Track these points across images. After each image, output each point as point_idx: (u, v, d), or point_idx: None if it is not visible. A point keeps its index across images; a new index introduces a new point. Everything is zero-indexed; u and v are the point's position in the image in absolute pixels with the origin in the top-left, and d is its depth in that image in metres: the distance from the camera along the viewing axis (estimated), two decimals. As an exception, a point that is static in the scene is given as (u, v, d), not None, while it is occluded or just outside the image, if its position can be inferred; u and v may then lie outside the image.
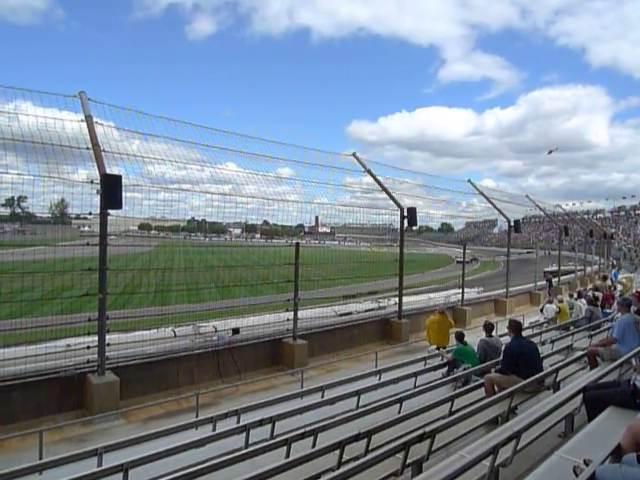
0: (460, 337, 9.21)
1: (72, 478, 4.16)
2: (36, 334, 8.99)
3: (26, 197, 9.44)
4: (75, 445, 6.77)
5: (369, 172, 15.11)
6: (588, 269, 31.84)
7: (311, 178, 13.43)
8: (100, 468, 4.63)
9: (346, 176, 14.78)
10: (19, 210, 10.50)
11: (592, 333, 10.77)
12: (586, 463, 3.91)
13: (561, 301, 15.09)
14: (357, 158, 15.26)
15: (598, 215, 79.60)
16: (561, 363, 7.65)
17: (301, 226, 20.13)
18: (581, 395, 5.70)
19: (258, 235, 24.44)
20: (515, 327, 7.65)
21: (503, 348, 7.82)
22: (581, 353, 8.39)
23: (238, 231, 23.43)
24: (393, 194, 15.01)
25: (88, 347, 8.95)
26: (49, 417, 8.10)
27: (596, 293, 15.72)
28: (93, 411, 8.21)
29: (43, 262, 9.29)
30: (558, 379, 7.14)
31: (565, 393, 5.89)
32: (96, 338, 8.79)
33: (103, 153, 8.98)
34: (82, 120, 9.23)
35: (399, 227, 15.06)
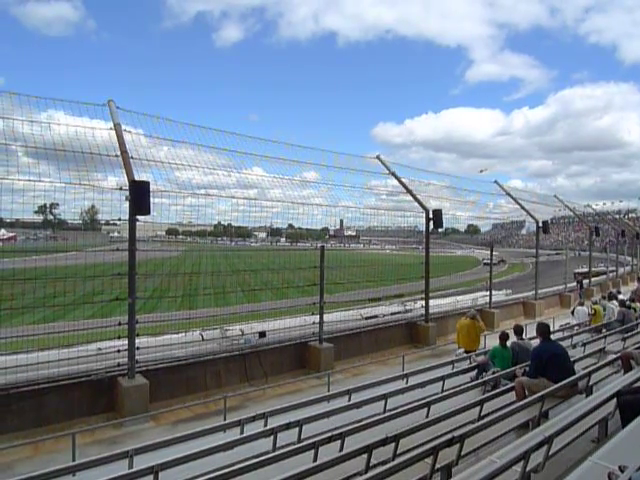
0: (502, 338, 8.96)
1: None
2: (68, 338, 9.19)
3: (58, 204, 9.69)
4: (107, 447, 6.89)
5: (393, 174, 15.03)
6: (620, 270, 31.02)
7: (336, 181, 13.47)
8: (131, 470, 4.70)
9: (371, 179, 14.78)
10: (51, 217, 10.77)
11: (625, 336, 10.48)
12: (621, 469, 3.80)
13: (595, 303, 14.68)
14: (381, 160, 15.19)
15: (630, 215, 77.34)
16: (593, 367, 7.47)
17: (326, 229, 20.15)
18: (615, 399, 5.55)
19: (283, 239, 24.54)
20: (543, 331, 7.46)
21: (532, 351, 7.65)
22: (614, 356, 8.17)
23: (263, 235, 23.59)
24: (418, 196, 14.90)
25: (118, 351, 9.12)
26: (81, 419, 8.27)
27: (634, 304, 14.74)
28: (123, 414, 8.35)
29: (74, 267, 9.53)
30: (591, 383, 6.98)
31: (598, 397, 5.75)
32: (126, 342, 8.95)
33: (131, 160, 9.17)
34: (111, 128, 9.44)
35: (424, 229, 14.94)
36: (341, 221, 16.60)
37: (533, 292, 20.08)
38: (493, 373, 8.20)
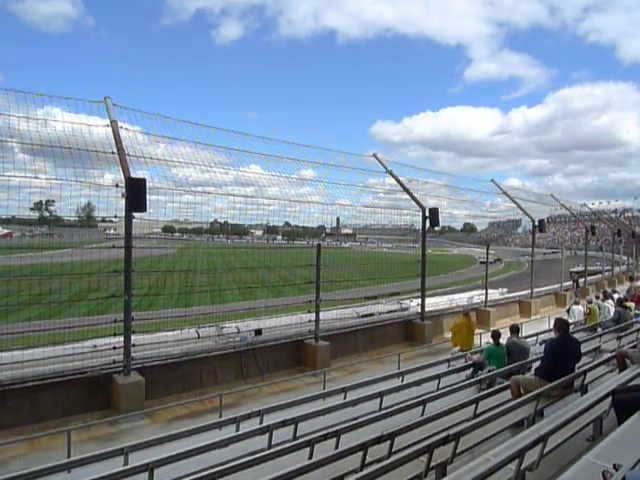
0: (495, 336, 8.96)
1: (99, 476, 4.24)
2: (64, 335, 9.17)
3: (54, 201, 9.65)
4: (102, 444, 6.89)
5: (390, 173, 15.04)
6: (616, 269, 31.14)
7: (333, 179, 13.48)
8: (126, 467, 4.70)
9: (368, 177, 14.80)
10: (47, 214, 10.72)
11: (620, 335, 10.52)
12: (616, 468, 3.82)
13: (590, 302, 14.73)
14: (378, 159, 15.20)
15: (626, 214, 77.65)
16: (589, 365, 7.49)
17: (322, 227, 20.12)
18: (610, 398, 5.57)
19: (280, 237, 24.52)
20: (561, 326, 7.35)
21: (545, 345, 7.56)
22: (609, 355, 8.20)
23: (260, 233, 23.57)
24: (415, 195, 14.91)
25: (114, 348, 9.10)
26: (77, 416, 8.25)
27: (628, 303, 14.77)
28: (119, 411, 8.34)
29: (70, 264, 9.49)
30: (586, 381, 6.99)
31: (593, 396, 5.77)
32: (122, 339, 8.93)
33: (128, 157, 9.14)
34: (108, 125, 9.40)
35: (421, 228, 14.96)
36: (338, 219, 16.62)
37: (529, 291, 20.14)
38: (489, 371, 8.21)
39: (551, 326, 13.02)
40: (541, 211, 22.81)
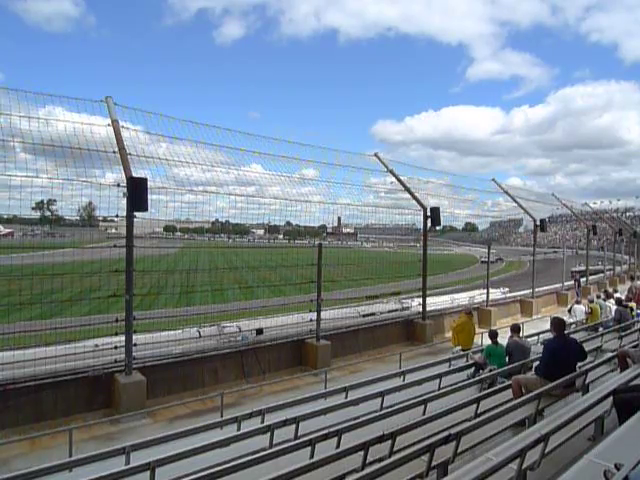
0: (492, 336, 9.02)
1: (101, 476, 4.23)
2: (65, 334, 9.19)
3: (55, 200, 9.65)
4: (103, 443, 6.89)
5: (391, 172, 15.04)
6: (617, 269, 31.09)
7: (335, 179, 13.48)
8: (128, 466, 4.70)
9: (370, 176, 14.79)
10: (49, 213, 10.72)
11: (622, 334, 10.51)
12: (617, 467, 3.81)
13: (592, 301, 14.72)
14: (379, 158, 15.21)
15: (628, 213, 77.35)
16: (590, 365, 7.48)
17: (324, 227, 20.10)
18: (611, 398, 5.57)
19: (281, 236, 24.51)
20: (557, 325, 7.27)
21: (543, 346, 7.56)
22: (611, 355, 8.19)
23: (261, 232, 23.56)
24: (416, 194, 14.92)
25: (115, 347, 9.12)
26: (78, 416, 8.27)
27: (630, 304, 14.77)
28: (120, 410, 8.35)
29: (72, 264, 9.49)
30: (587, 381, 6.98)
31: (595, 395, 5.76)
32: (123, 338, 8.95)
33: (129, 156, 9.15)
34: (109, 124, 9.41)
35: (422, 227, 14.96)
36: (339, 218, 16.59)
37: (530, 290, 20.13)
38: (490, 371, 8.22)
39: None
40: (542, 210, 22.84)
